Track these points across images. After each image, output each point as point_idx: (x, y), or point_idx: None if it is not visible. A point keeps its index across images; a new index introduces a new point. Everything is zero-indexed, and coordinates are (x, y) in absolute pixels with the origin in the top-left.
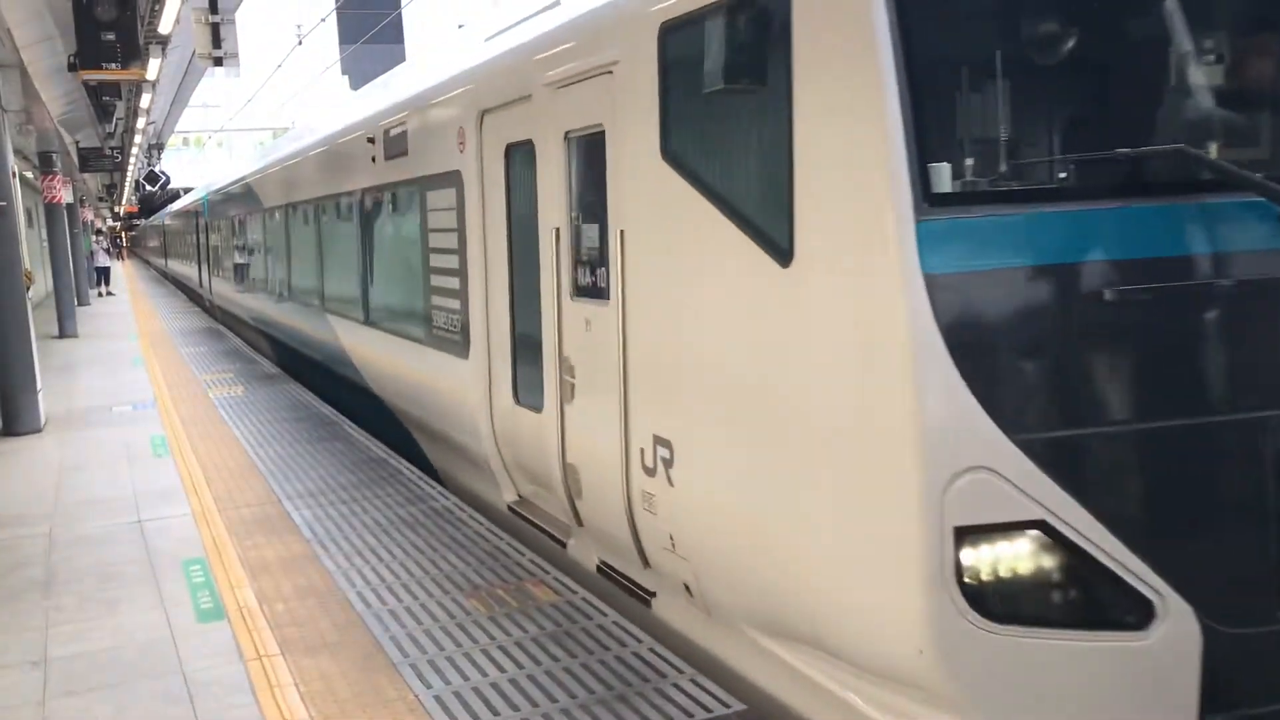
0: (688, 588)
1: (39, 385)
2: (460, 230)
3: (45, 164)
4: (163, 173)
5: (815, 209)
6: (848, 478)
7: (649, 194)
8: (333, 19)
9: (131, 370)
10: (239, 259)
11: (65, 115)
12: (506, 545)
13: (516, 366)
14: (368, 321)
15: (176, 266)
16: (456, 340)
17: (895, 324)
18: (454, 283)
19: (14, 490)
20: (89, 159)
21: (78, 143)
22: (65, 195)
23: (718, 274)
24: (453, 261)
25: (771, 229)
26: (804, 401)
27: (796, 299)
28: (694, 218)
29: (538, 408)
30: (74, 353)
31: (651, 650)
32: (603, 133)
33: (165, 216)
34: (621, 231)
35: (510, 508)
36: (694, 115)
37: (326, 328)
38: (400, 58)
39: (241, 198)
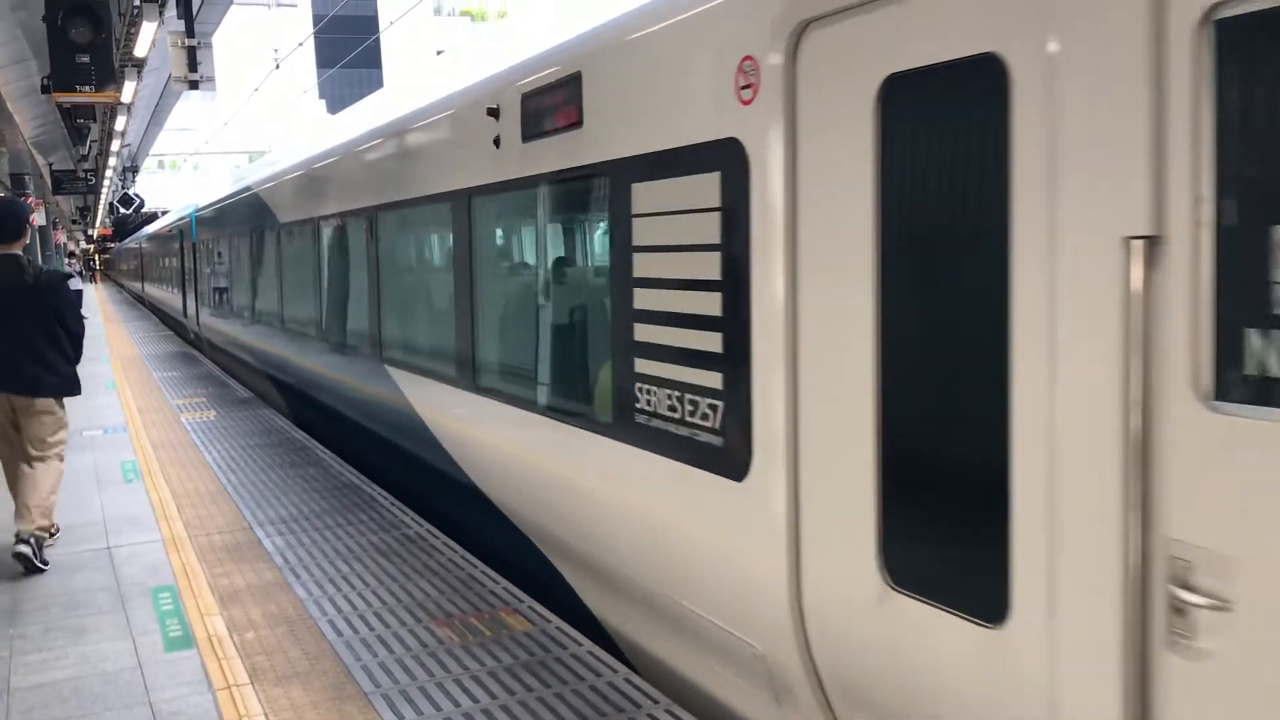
0: None
1: None
2: (732, 247)
3: (17, 186)
4: (137, 195)
5: None
6: None
7: None
8: (310, 43)
9: (103, 395)
10: (239, 286)
11: (38, 137)
12: (480, 573)
13: (897, 512)
14: (477, 386)
15: (155, 293)
16: (702, 441)
17: None
18: (702, 339)
19: None
20: (62, 181)
21: (51, 165)
22: (38, 218)
23: None
24: (699, 301)
25: None
26: None
27: None
28: None
29: (982, 608)
30: None
31: (627, 680)
32: None
33: (143, 239)
34: None
35: None
36: None
37: (385, 383)
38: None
39: (244, 213)
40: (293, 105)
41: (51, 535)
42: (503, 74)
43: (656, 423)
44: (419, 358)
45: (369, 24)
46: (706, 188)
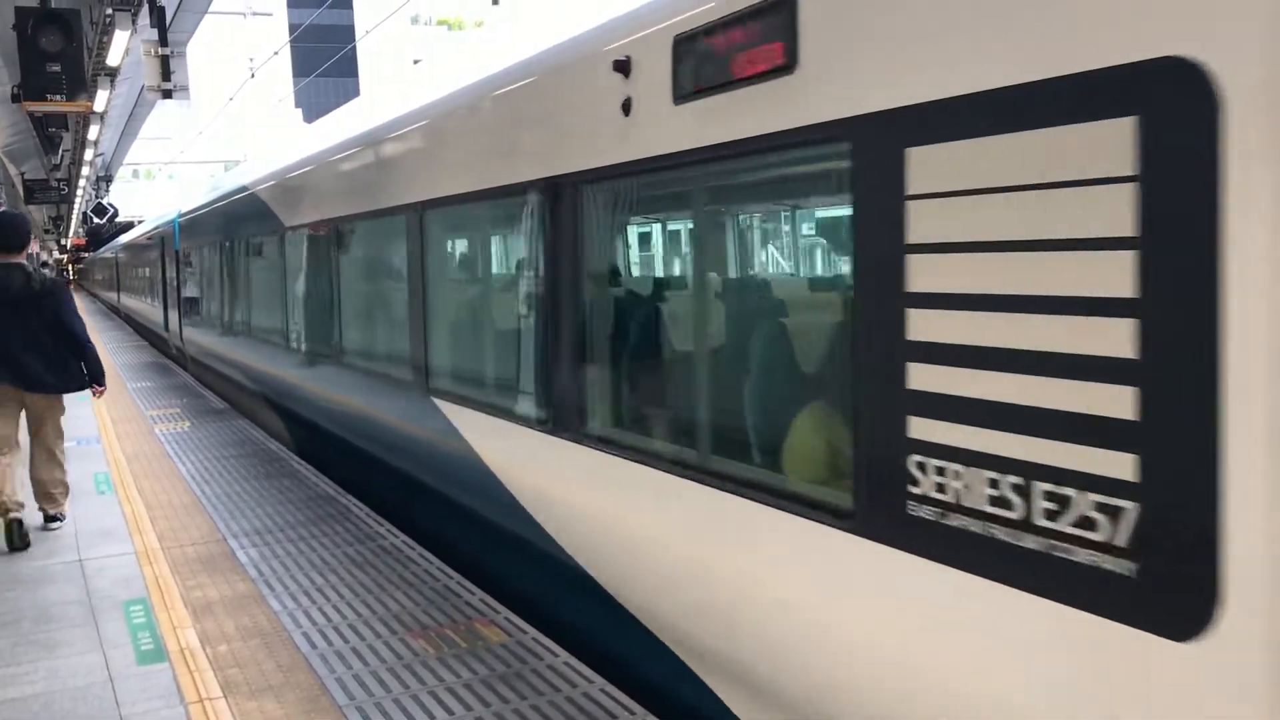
0: None
1: None
2: (1169, 241)
3: None
4: (111, 205)
5: None
6: None
7: None
8: (286, 52)
9: (75, 405)
10: (231, 298)
11: (10, 146)
12: (456, 584)
13: None
14: (582, 432)
15: (133, 304)
16: (1084, 564)
17: None
18: (1086, 394)
19: None
20: (34, 191)
21: (23, 174)
22: None
23: None
24: (1080, 332)
25: None
26: None
27: None
28: None
29: None
30: None
31: (603, 691)
32: None
33: (119, 247)
34: None
35: None
36: None
37: (433, 417)
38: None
39: (239, 217)
40: (268, 114)
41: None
42: (631, 17)
43: (960, 521)
44: (488, 391)
45: (345, 33)
46: (1100, 145)
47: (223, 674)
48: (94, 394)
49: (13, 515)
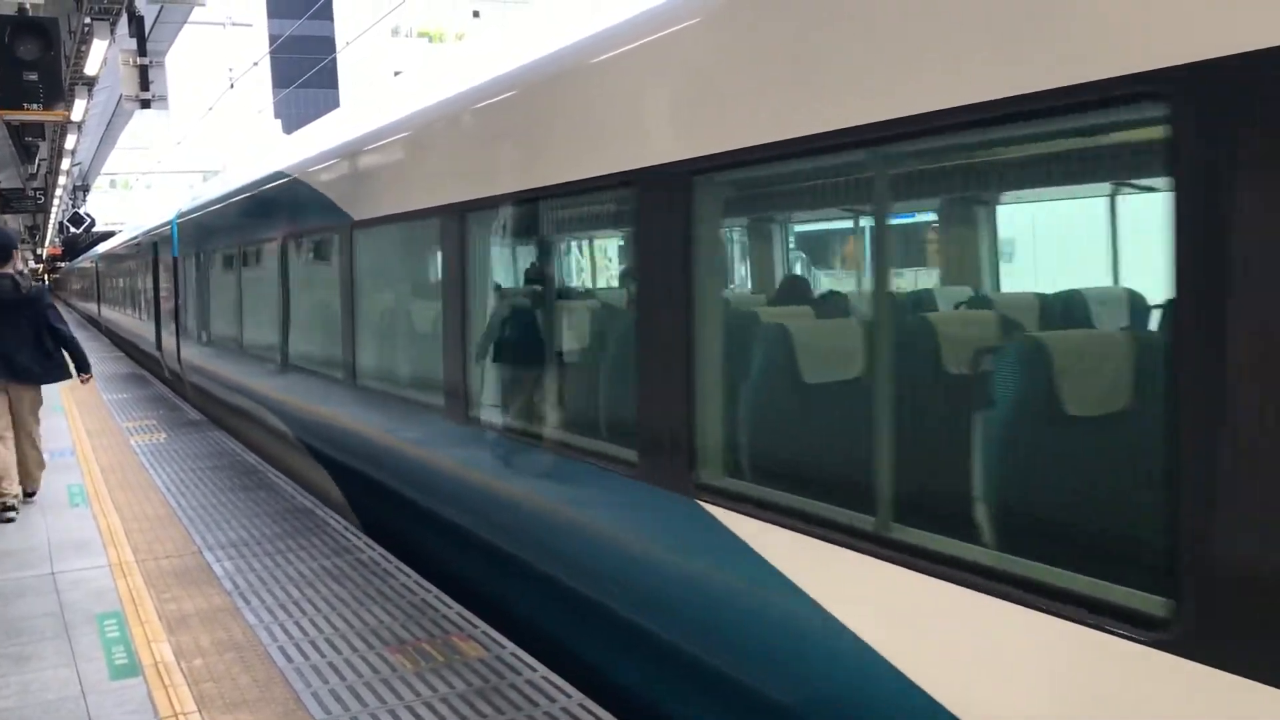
0: None
1: None
2: None
3: None
4: (88, 214)
5: None
6: None
7: None
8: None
9: (50, 417)
10: (260, 315)
11: None
12: (434, 598)
13: None
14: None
15: (116, 318)
16: None
17: None
18: None
19: None
20: (10, 200)
21: None
22: None
23: None
24: None
25: None
26: None
27: None
28: None
29: None
30: None
31: (581, 706)
32: None
33: (98, 255)
34: None
35: None
36: None
37: (700, 527)
38: (334, 103)
39: (276, 210)
40: (248, 124)
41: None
42: None
43: None
44: (817, 494)
45: (326, 44)
46: None
47: (198, 688)
48: (81, 381)
49: (8, 502)
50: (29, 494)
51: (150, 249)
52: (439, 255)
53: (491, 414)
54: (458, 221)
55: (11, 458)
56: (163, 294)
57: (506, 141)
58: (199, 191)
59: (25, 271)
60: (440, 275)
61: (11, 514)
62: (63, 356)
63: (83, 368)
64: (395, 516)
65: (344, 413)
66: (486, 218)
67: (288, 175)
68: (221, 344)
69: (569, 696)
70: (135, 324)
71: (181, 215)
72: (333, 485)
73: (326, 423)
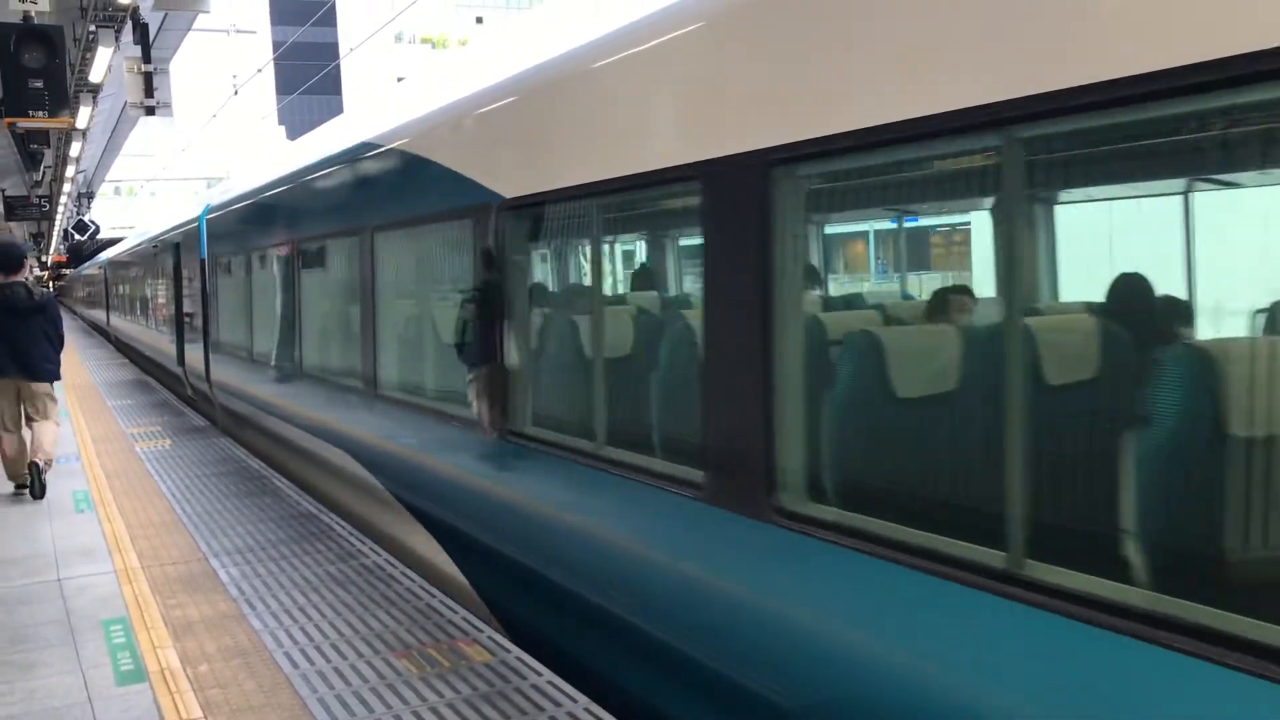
0: None
1: None
2: None
3: None
4: (92, 221)
5: None
6: None
7: None
8: (269, 70)
9: None
10: (332, 327)
11: None
12: (439, 603)
13: None
14: None
15: (127, 327)
16: None
17: None
18: None
19: None
20: (15, 207)
21: (4, 191)
22: None
23: None
24: None
25: None
26: None
27: None
28: None
29: None
30: None
31: (587, 710)
32: None
33: (110, 259)
34: None
35: None
36: None
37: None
38: (338, 109)
39: (363, 194)
40: (252, 131)
41: (48, 465)
42: None
43: None
44: None
45: (329, 51)
46: None
47: (204, 694)
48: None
49: (20, 480)
50: (46, 462)
51: (170, 251)
52: (687, 241)
53: (787, 495)
54: (755, 180)
55: (23, 445)
56: (186, 302)
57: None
58: (233, 184)
59: (31, 279)
60: (689, 267)
61: (24, 488)
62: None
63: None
64: (566, 622)
65: (483, 469)
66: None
67: (379, 146)
68: (271, 363)
69: (575, 701)
70: (152, 336)
71: (212, 211)
72: (447, 560)
73: (449, 480)
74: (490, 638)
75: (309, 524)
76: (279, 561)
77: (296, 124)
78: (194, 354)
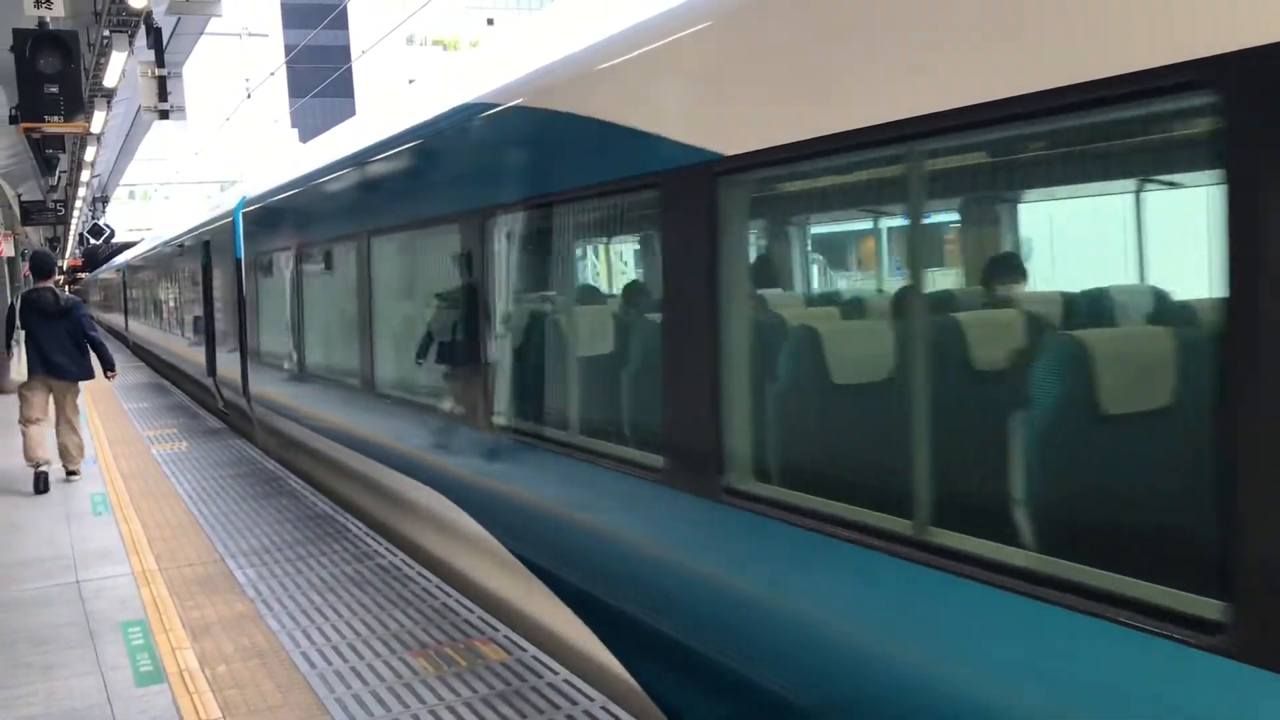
0: None
1: None
2: None
3: None
4: (107, 226)
5: None
6: None
7: None
8: (282, 73)
9: None
10: (407, 337)
11: (7, 168)
12: (455, 602)
13: None
14: None
15: (148, 334)
16: None
17: None
18: None
19: None
20: (31, 212)
21: (20, 196)
22: (6, 249)
23: None
24: None
25: None
26: None
27: None
28: None
29: None
30: (10, 411)
31: (604, 709)
32: None
33: (126, 262)
34: None
35: None
36: None
37: None
38: (350, 112)
39: (421, 183)
40: (264, 134)
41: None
42: None
43: None
44: None
45: (341, 54)
46: None
47: (222, 695)
48: (107, 377)
49: (41, 468)
50: (71, 472)
51: (199, 251)
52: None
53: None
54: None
55: (47, 435)
56: (218, 305)
57: None
58: (272, 174)
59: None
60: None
61: (46, 474)
62: (91, 358)
63: (108, 366)
64: None
65: (680, 539)
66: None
67: (496, 106)
68: (332, 379)
69: (591, 699)
70: (177, 343)
71: (250, 204)
72: (597, 644)
73: (618, 545)
74: (506, 636)
75: (325, 524)
76: (295, 562)
77: (309, 127)
78: (228, 365)
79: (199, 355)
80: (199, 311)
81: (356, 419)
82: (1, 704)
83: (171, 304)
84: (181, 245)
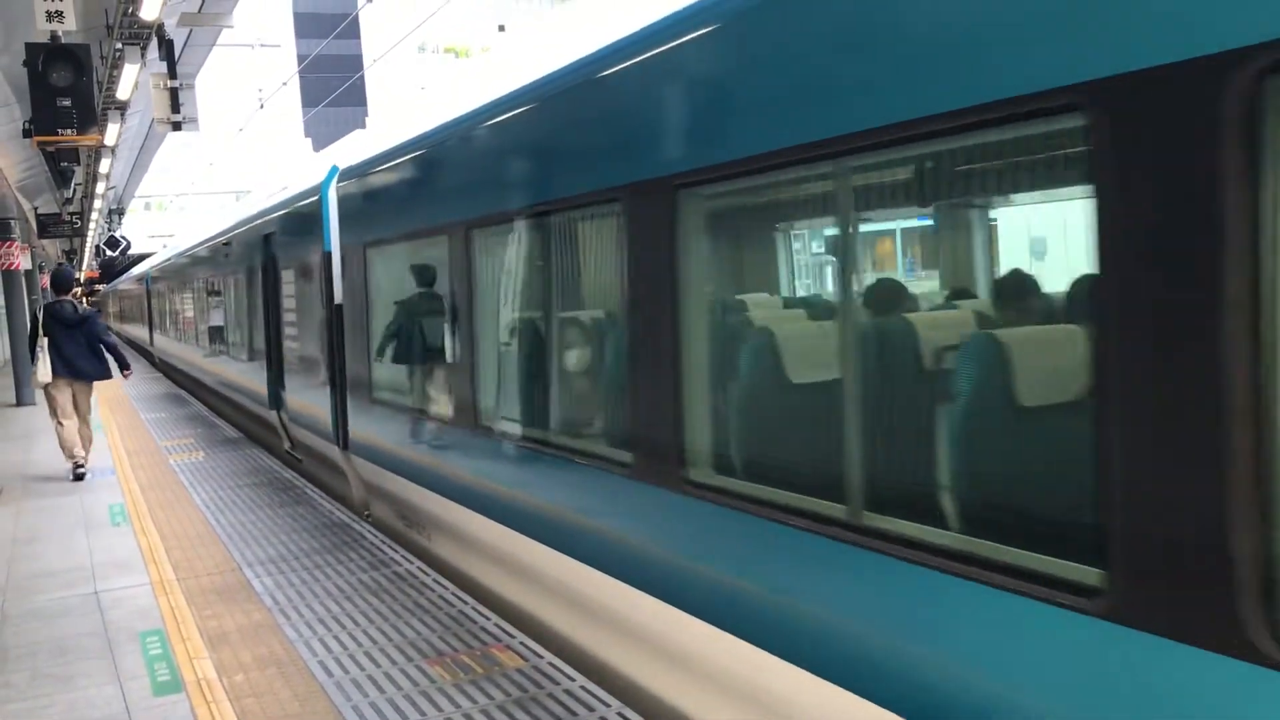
0: None
1: None
2: None
3: (3, 231)
4: (123, 237)
5: None
6: None
7: None
8: (294, 83)
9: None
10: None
11: (23, 181)
12: (471, 610)
13: None
14: None
15: (182, 353)
16: None
17: None
18: None
19: None
20: (47, 225)
21: (36, 209)
22: (23, 262)
23: None
24: None
25: None
26: None
27: None
28: None
29: None
30: (31, 421)
31: (620, 715)
32: None
33: (150, 273)
34: None
35: None
36: None
37: None
38: (362, 121)
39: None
40: (278, 144)
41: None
42: None
43: None
44: None
45: (353, 63)
46: None
47: (239, 704)
48: (124, 376)
49: (78, 463)
50: (78, 464)
51: (259, 246)
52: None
53: None
54: None
55: (77, 433)
56: (288, 318)
57: None
58: (390, 133)
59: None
60: None
61: (82, 471)
62: (108, 361)
63: (124, 366)
64: None
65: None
66: None
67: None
68: (505, 432)
69: (608, 706)
70: (223, 365)
71: (348, 176)
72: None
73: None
74: (522, 643)
75: (341, 533)
76: (312, 571)
77: (322, 136)
78: (305, 396)
79: (254, 382)
80: (253, 325)
81: (560, 494)
82: (22, 714)
83: (215, 315)
84: (232, 240)
